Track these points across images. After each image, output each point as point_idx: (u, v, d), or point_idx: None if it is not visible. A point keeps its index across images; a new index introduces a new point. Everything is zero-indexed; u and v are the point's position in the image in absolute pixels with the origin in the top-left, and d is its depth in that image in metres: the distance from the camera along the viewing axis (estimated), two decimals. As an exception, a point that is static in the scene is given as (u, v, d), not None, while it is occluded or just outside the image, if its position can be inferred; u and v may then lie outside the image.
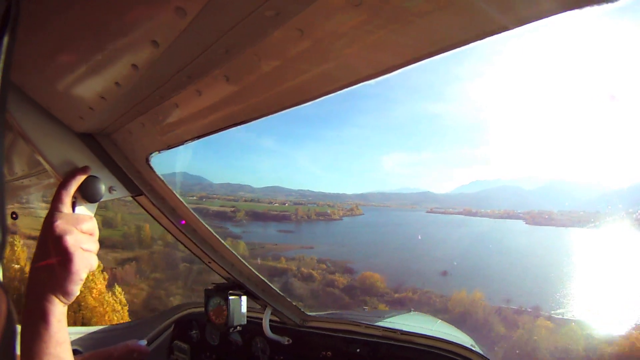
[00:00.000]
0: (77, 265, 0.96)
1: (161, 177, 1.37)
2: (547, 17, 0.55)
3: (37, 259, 0.97)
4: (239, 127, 1.02)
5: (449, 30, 0.61)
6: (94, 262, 1.01)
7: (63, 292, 0.95)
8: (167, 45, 0.71)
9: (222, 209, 76.39)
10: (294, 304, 2.11)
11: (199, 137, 1.12)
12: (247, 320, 1.98)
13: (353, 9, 0.61)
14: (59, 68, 0.91)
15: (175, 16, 0.63)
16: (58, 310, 0.95)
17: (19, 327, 0.86)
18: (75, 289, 0.97)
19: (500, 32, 0.58)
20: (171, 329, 2.78)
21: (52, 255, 0.95)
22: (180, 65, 0.81)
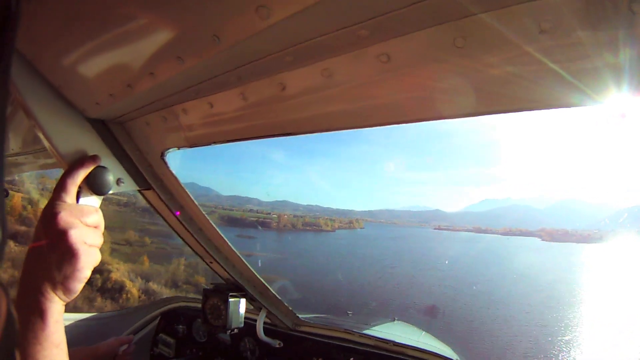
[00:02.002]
0: (82, 262, 0.87)
1: (174, 173, 1.32)
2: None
3: (35, 251, 0.88)
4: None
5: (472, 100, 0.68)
6: (98, 257, 0.93)
7: (64, 289, 0.87)
8: (229, 42, 0.67)
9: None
10: (289, 308, 2.10)
11: (228, 141, 1.07)
12: None
13: (381, 64, 0.69)
14: (82, 47, 0.84)
15: (254, 15, 0.60)
16: (56, 309, 0.86)
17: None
18: (78, 287, 0.89)
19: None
20: (157, 321, 2.73)
21: (54, 249, 0.86)
22: (233, 66, 0.76)
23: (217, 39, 0.66)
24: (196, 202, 1.46)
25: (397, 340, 2.08)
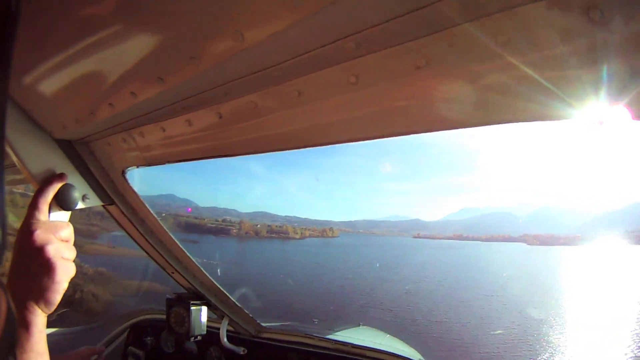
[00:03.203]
0: (60, 275, 0.95)
1: (134, 189, 1.42)
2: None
3: (16, 267, 0.96)
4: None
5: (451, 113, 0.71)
6: (73, 269, 1.01)
7: (45, 302, 0.93)
8: (172, 83, 0.79)
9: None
10: (250, 315, 2.19)
11: (181, 161, 1.19)
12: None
13: (347, 86, 0.75)
14: (50, 77, 0.93)
15: (188, 63, 0.72)
16: (39, 320, 0.93)
17: None
18: (57, 299, 0.96)
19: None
20: (126, 334, 2.75)
21: (33, 264, 0.94)
22: (178, 98, 0.89)
23: (161, 81, 0.81)
24: (156, 217, 1.57)
25: (356, 342, 2.18)
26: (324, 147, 0.94)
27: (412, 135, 0.80)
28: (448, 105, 0.69)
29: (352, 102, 0.79)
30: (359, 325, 3.41)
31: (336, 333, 2.58)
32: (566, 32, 0.53)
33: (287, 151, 0.99)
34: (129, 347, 2.69)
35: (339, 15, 0.58)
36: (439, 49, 0.63)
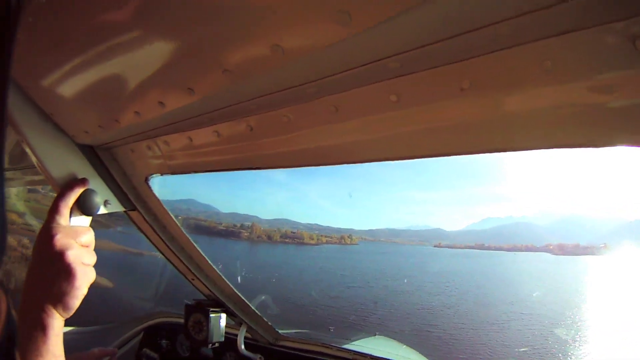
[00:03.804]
0: (80, 281, 0.95)
1: (157, 196, 1.40)
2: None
3: (35, 270, 0.95)
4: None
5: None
6: (93, 275, 1.00)
7: (64, 306, 0.94)
8: (202, 95, 0.76)
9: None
10: (269, 323, 2.16)
11: (207, 171, 1.16)
12: None
13: (388, 104, 0.73)
14: (74, 80, 0.91)
15: (221, 76, 0.69)
16: (57, 324, 0.93)
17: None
18: (76, 304, 0.96)
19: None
20: (140, 336, 2.75)
21: (53, 269, 0.93)
22: (207, 110, 0.86)
23: (191, 92, 0.77)
24: (178, 223, 1.54)
25: (376, 354, 2.14)
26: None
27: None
28: (490, 128, 0.69)
29: (392, 121, 0.77)
30: (375, 334, 3.36)
31: (353, 342, 2.53)
32: (611, 61, 0.53)
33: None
34: (143, 349, 2.68)
35: (386, 35, 0.56)
36: (483, 72, 0.62)
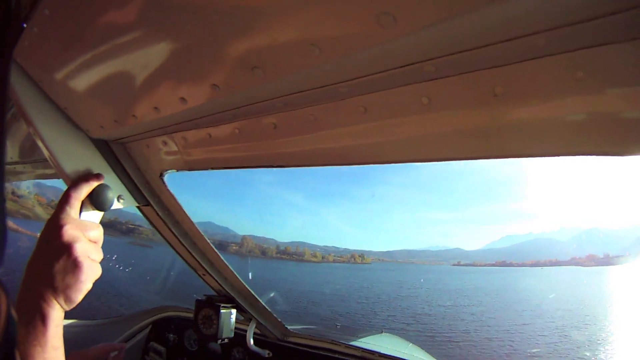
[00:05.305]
0: (85, 275, 0.93)
1: (171, 191, 1.39)
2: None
3: (39, 258, 0.93)
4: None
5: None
6: (98, 271, 0.98)
7: (66, 298, 0.91)
8: (228, 92, 0.75)
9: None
10: (278, 319, 2.16)
11: (225, 168, 1.14)
12: None
13: (419, 107, 0.72)
14: (89, 74, 0.90)
15: (249, 74, 0.68)
16: (57, 315, 0.91)
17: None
18: (79, 297, 0.94)
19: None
20: (148, 329, 2.76)
21: (58, 259, 0.91)
22: (231, 107, 0.84)
23: (216, 88, 0.76)
24: (192, 219, 1.53)
25: (383, 351, 2.14)
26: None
27: (451, 163, 0.76)
28: (520, 134, 0.68)
29: (421, 123, 0.76)
30: (381, 332, 3.36)
31: (360, 339, 2.53)
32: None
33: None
34: (151, 343, 2.69)
35: (427, 39, 0.55)
36: (517, 79, 0.62)
